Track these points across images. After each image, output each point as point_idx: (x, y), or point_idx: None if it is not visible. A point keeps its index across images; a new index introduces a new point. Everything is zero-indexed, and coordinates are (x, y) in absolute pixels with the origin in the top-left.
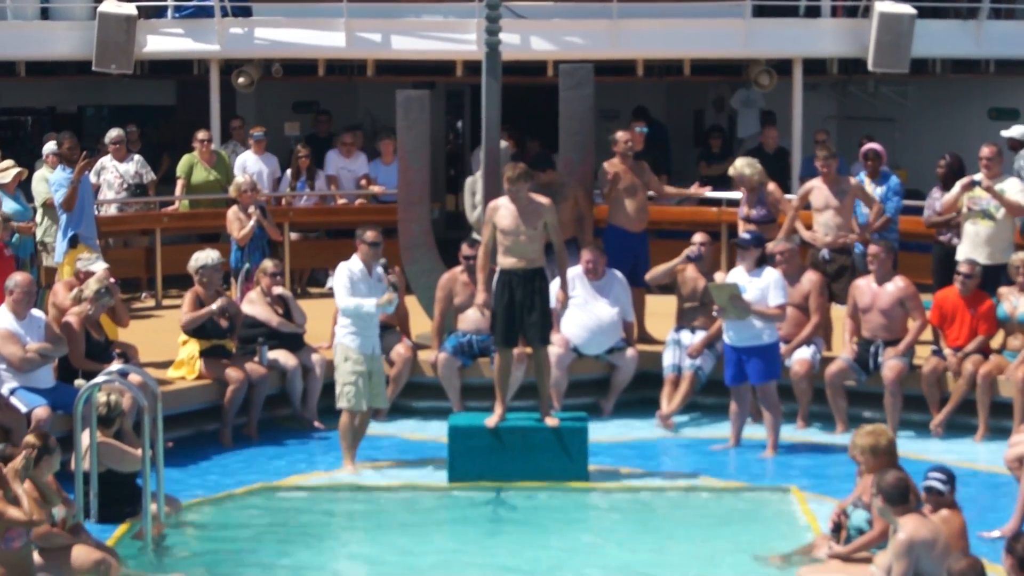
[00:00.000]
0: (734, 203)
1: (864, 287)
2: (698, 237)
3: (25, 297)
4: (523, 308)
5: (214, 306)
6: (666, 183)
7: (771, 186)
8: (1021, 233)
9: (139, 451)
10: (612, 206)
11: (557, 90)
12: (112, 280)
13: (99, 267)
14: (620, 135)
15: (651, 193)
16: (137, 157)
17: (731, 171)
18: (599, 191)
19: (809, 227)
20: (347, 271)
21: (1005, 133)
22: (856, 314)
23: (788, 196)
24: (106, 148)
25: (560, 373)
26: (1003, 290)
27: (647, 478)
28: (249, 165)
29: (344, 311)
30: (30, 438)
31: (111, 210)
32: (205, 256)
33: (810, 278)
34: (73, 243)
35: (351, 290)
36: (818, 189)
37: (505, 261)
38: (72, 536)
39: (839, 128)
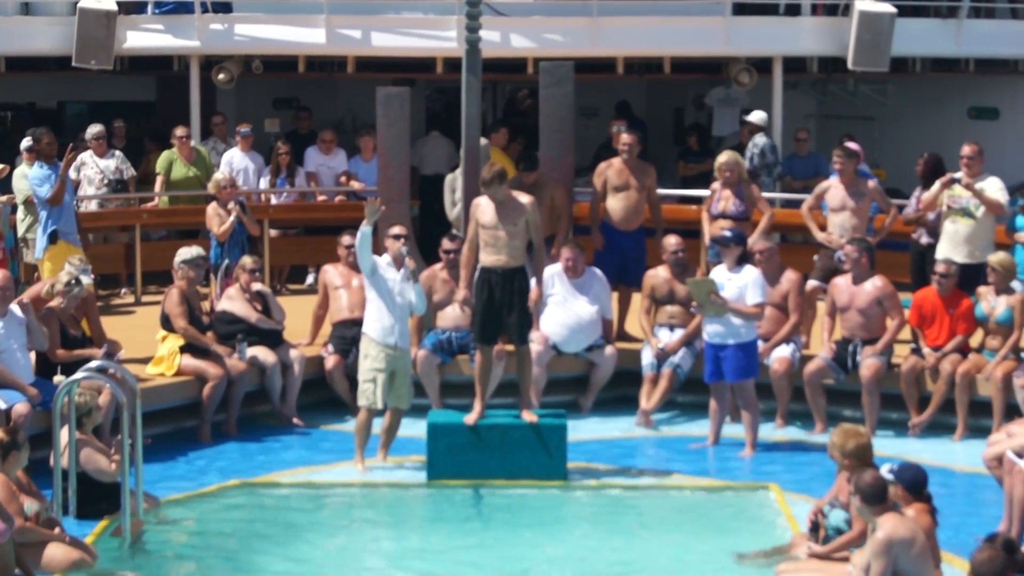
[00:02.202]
0: None
1: (842, 286)
2: (672, 243)
3: (3, 296)
4: (502, 307)
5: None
6: None
7: (751, 184)
8: (1006, 233)
9: (114, 467)
10: (604, 202)
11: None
12: (92, 276)
13: (85, 279)
14: (624, 137)
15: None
16: (118, 153)
17: (724, 160)
18: (580, 188)
19: (823, 228)
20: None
21: (747, 117)
22: (834, 313)
23: (765, 195)
24: (86, 144)
25: (539, 370)
26: (981, 289)
27: (626, 476)
28: (235, 162)
29: (363, 266)
30: None
31: (91, 206)
32: (188, 251)
33: (789, 277)
34: (53, 239)
35: (374, 272)
36: (835, 189)
37: (486, 259)
38: (47, 531)
39: (819, 127)
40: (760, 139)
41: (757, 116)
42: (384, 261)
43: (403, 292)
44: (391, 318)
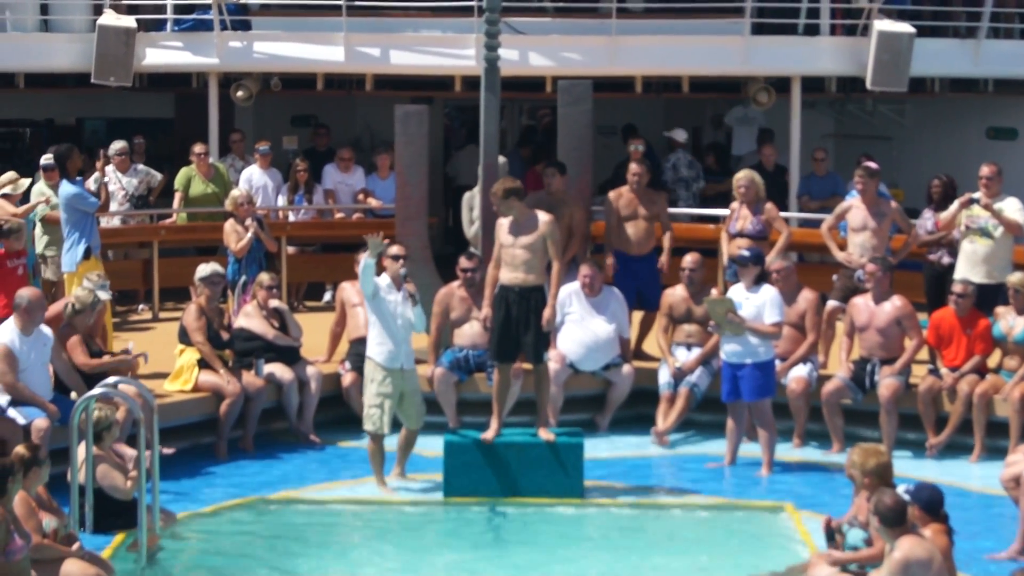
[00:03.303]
0: None
1: (861, 306)
2: (688, 261)
3: (35, 314)
4: (519, 325)
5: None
6: None
7: (768, 203)
8: None
9: (130, 484)
10: (615, 230)
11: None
12: (110, 293)
13: (103, 295)
14: (633, 167)
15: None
16: (140, 167)
17: (740, 176)
18: (598, 207)
19: (842, 248)
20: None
21: (667, 134)
22: (853, 333)
23: (784, 214)
24: (108, 159)
25: (556, 389)
26: (1000, 310)
27: (642, 495)
28: (254, 179)
29: (365, 292)
30: (19, 450)
31: (114, 222)
32: (205, 268)
33: (806, 297)
34: (87, 255)
35: (375, 295)
36: (856, 209)
37: (504, 276)
38: (65, 547)
39: (837, 146)
40: (674, 155)
41: (677, 133)
42: (384, 283)
43: (403, 312)
44: (394, 341)
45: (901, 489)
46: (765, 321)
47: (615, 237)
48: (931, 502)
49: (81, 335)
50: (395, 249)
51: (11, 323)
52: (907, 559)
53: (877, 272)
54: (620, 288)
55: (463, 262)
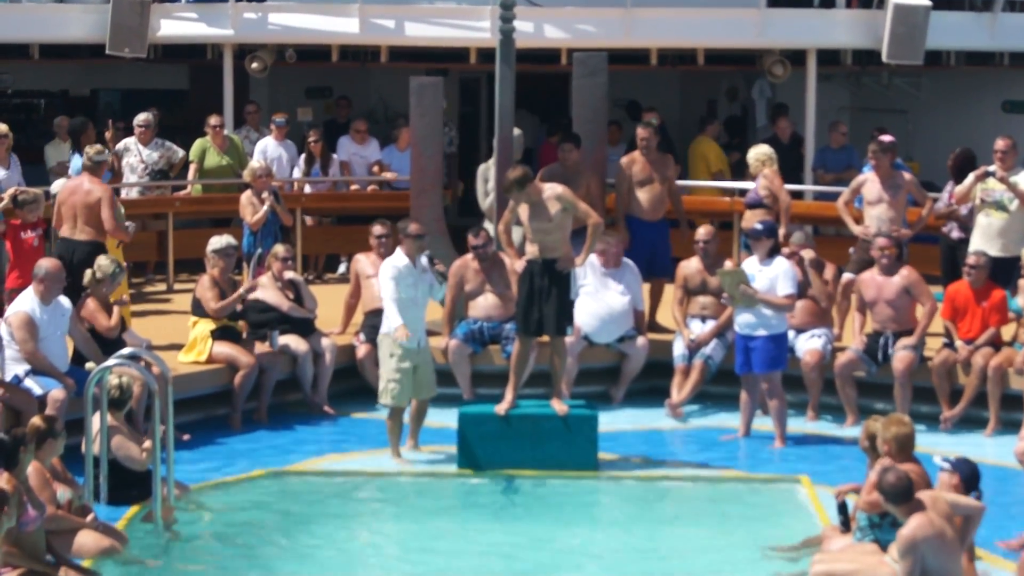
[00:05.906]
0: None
1: (868, 280)
2: (701, 233)
3: (53, 284)
4: (540, 294)
5: (242, 291)
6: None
7: (766, 170)
8: None
9: (145, 456)
10: (628, 196)
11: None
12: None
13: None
14: (640, 131)
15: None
16: (167, 143)
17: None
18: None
19: (859, 221)
20: (392, 267)
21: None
22: (864, 308)
23: (800, 187)
24: (130, 130)
25: (571, 361)
26: (1023, 283)
27: (656, 467)
28: (269, 151)
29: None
30: (35, 421)
31: (132, 193)
32: (219, 240)
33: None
34: None
35: (397, 284)
36: (871, 183)
37: (528, 250)
38: (79, 518)
39: (852, 119)
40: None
41: None
42: (401, 263)
43: (422, 290)
44: (412, 322)
45: (938, 458)
46: (778, 293)
47: (627, 203)
48: (972, 476)
49: (100, 303)
50: (413, 228)
51: (30, 292)
52: (914, 537)
53: (888, 246)
54: (633, 255)
55: (471, 239)
